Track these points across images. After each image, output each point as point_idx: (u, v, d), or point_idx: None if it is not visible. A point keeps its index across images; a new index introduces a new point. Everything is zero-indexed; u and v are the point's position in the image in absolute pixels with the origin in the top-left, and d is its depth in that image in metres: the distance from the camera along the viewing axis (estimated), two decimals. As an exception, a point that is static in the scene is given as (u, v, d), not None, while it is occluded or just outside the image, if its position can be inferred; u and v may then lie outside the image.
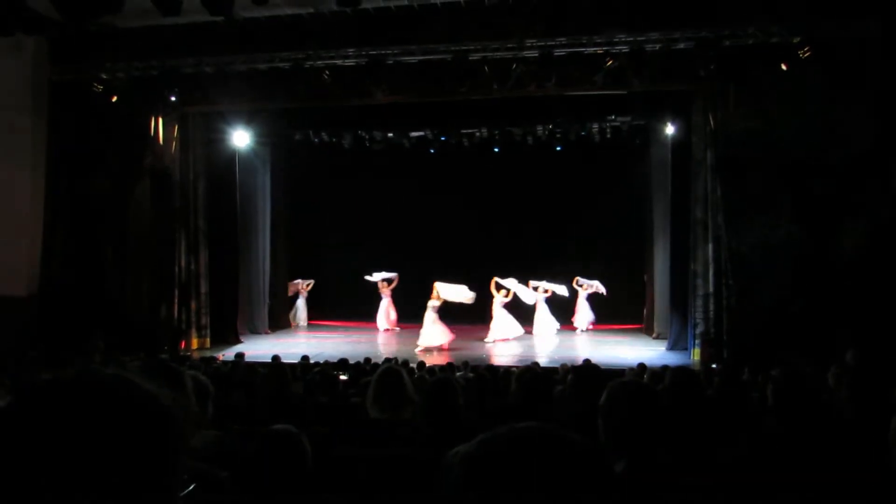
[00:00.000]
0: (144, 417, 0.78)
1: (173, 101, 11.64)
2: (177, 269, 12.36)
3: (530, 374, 3.47)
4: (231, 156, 13.49)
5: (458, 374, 7.41)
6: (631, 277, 15.76)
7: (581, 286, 15.43)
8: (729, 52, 9.79)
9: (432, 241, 16.88)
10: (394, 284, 15.55)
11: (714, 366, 9.33)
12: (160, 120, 12.08)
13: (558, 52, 10.14)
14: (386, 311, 15.50)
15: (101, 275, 11.63)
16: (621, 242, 15.72)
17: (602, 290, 15.31)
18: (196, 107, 12.08)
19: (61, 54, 11.37)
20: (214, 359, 9.09)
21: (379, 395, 2.89)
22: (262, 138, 14.47)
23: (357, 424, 2.99)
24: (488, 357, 11.79)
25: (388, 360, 8.86)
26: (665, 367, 6.28)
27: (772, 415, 2.34)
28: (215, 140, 13.15)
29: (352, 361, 8.68)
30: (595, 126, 14.21)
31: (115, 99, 11.34)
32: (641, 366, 7.99)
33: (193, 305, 12.62)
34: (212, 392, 2.55)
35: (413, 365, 8.43)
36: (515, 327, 13.97)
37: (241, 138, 13.60)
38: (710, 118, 10.84)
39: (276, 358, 8.30)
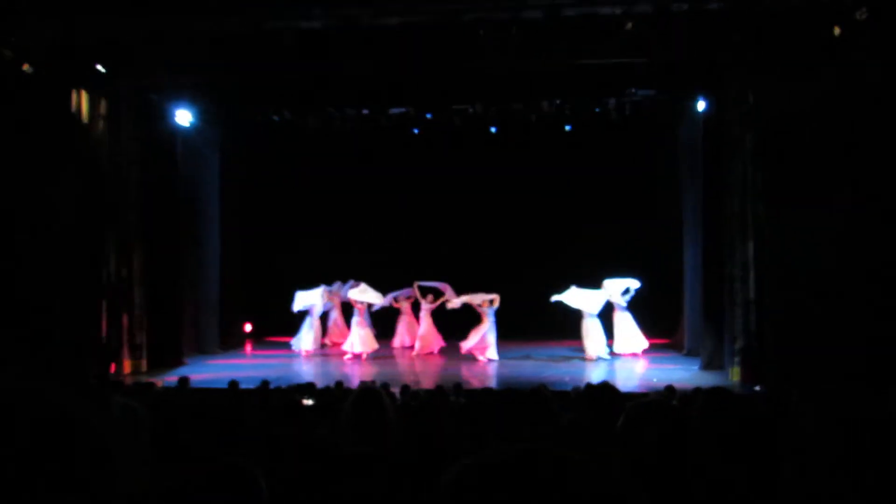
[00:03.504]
0: (64, 443, 0.77)
1: (101, 73, 11.54)
2: (105, 275, 12.26)
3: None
4: (172, 138, 13.42)
5: (451, 398, 7.42)
6: (656, 282, 15.82)
7: (425, 297, 14.72)
8: (770, 12, 9.86)
9: (415, 238, 16.89)
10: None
11: (757, 388, 9.39)
12: (84, 94, 11.98)
13: (567, 13, 10.17)
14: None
15: (11, 282, 11.50)
16: (644, 239, 15.79)
17: (455, 301, 14.06)
18: (129, 79, 11.99)
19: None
20: (153, 385, 9.04)
21: (354, 422, 2.87)
22: (211, 117, 14.39)
23: (326, 460, 2.97)
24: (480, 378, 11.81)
25: (363, 382, 8.88)
26: (697, 390, 6.33)
27: (810, 444, 2.36)
28: (153, 119, 13.06)
29: (321, 386, 8.68)
30: (612, 101, 14.26)
31: (27, 67, 11.22)
32: (669, 389, 8.03)
33: (125, 320, 12.53)
34: (148, 424, 2.53)
35: (395, 389, 8.44)
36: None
37: (184, 118, 13.53)
38: (749, 92, 10.91)
39: (233, 383, 8.32)
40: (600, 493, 0.81)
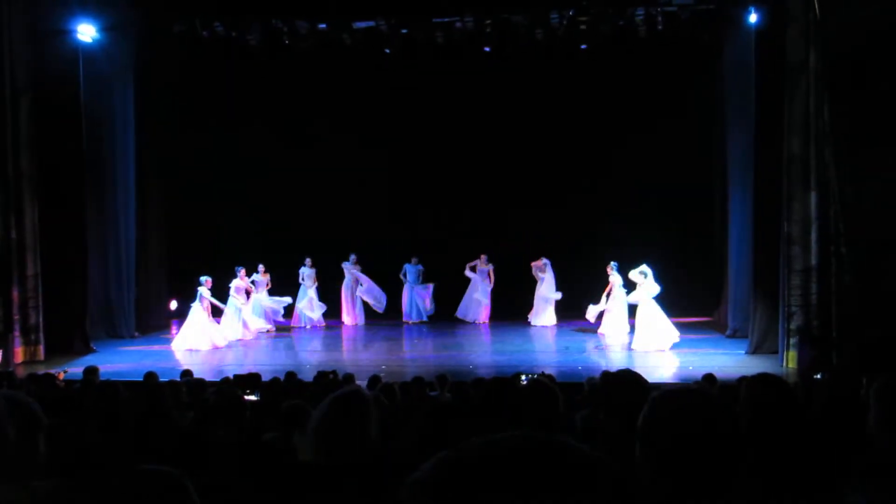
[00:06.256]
0: None
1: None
2: (-13, 238, 12.20)
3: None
4: (72, 59, 13.23)
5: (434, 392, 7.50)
6: (694, 246, 15.90)
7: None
8: None
9: (381, 191, 16.89)
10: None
11: (818, 376, 9.52)
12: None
13: None
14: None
15: None
16: (678, 191, 15.82)
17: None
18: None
19: None
20: (52, 376, 9.09)
21: (328, 433, 2.86)
22: (122, 30, 14.19)
23: (276, 470, 2.99)
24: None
25: (323, 372, 8.97)
26: (742, 379, 6.42)
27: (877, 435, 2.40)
28: (47, 34, 12.89)
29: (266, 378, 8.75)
30: (640, 13, 14.15)
31: None
32: (709, 378, 8.13)
33: (16, 295, 12.47)
34: (44, 423, 2.54)
35: (361, 382, 8.52)
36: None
37: (87, 31, 13.36)
38: (815, 2, 10.87)
39: (150, 375, 8.38)
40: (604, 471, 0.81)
